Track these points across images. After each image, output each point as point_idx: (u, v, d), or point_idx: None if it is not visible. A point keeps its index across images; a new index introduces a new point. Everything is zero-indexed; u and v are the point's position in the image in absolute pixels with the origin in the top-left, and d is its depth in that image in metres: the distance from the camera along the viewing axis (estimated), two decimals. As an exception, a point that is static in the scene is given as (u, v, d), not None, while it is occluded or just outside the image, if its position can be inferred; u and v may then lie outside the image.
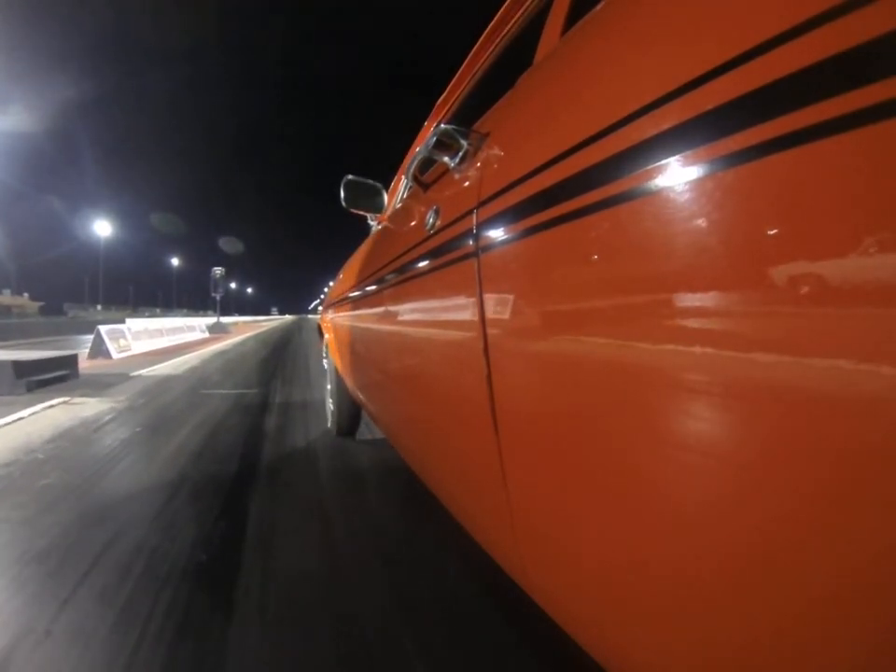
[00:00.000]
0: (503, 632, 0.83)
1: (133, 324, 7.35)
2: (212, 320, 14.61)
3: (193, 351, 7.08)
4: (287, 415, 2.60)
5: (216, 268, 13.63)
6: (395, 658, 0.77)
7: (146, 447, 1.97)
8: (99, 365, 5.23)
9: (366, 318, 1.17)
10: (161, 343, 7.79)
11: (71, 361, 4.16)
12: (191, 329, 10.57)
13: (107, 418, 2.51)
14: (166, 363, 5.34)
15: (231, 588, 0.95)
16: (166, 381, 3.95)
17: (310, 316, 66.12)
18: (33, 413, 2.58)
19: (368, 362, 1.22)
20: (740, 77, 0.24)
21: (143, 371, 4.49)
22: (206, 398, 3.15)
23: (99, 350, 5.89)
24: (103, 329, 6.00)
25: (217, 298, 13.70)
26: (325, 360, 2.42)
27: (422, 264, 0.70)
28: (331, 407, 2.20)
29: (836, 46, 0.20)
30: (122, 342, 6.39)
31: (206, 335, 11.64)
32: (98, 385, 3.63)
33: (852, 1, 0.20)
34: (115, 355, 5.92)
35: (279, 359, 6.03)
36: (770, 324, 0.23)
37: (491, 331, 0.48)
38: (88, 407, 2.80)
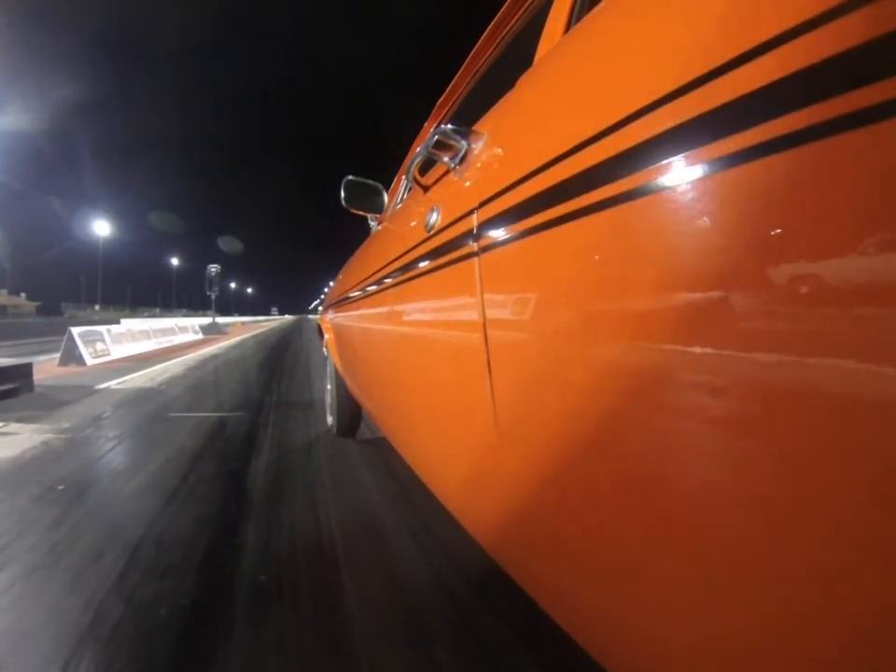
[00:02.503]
0: None
1: (115, 325, 6.62)
2: (208, 320, 13.91)
3: (180, 356, 6.35)
4: (284, 459, 1.87)
5: (211, 265, 12.93)
6: None
7: (49, 531, 1.23)
8: (67, 374, 4.51)
9: (366, 318, 1.15)
10: (145, 347, 7.04)
11: (24, 372, 3.45)
12: (183, 330, 9.81)
13: (31, 461, 1.80)
14: (144, 371, 4.62)
15: None
16: (135, 397, 3.23)
17: (310, 316, 65.35)
18: (-70, 453, 1.87)
19: (368, 362, 1.19)
20: (739, 78, 0.24)
21: (112, 383, 3.78)
22: (177, 424, 2.43)
23: (71, 355, 5.17)
24: (75, 331, 5.27)
25: (213, 296, 12.98)
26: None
27: (422, 264, 0.69)
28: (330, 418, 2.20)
29: (840, 45, 0.20)
30: (99, 345, 5.67)
31: (199, 337, 10.90)
32: (49, 404, 2.92)
33: (852, 1, 0.19)
34: (89, 361, 5.20)
35: (275, 367, 5.29)
36: (769, 324, 0.23)
37: (492, 331, 0.48)
38: (16, 441, 2.09)
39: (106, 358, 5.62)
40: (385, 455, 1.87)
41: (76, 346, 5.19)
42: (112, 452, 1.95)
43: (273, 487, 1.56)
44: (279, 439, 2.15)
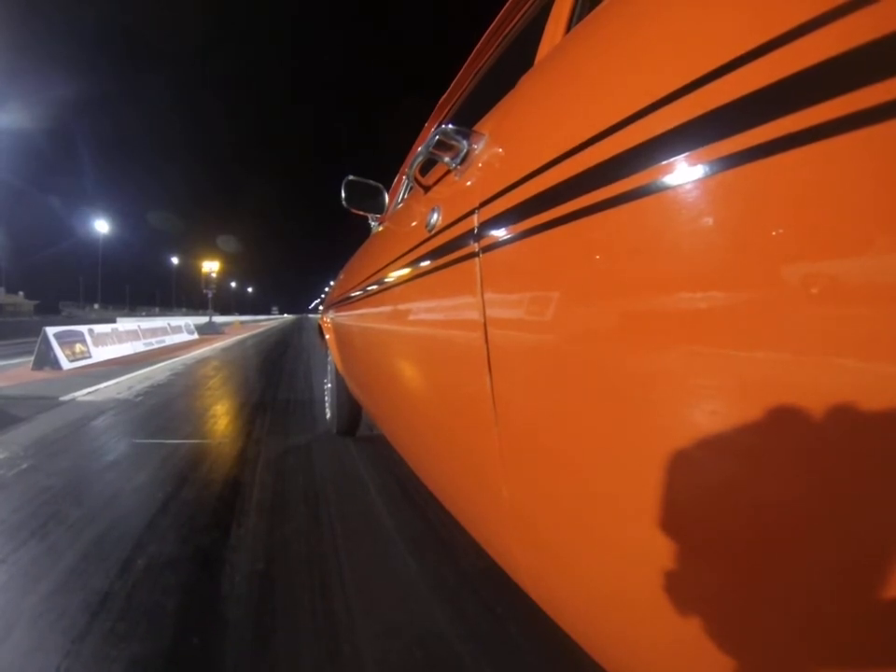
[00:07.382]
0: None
1: (99, 325, 6.09)
2: (205, 320, 13.38)
3: (168, 359, 5.83)
4: (278, 529, 1.30)
5: (207, 263, 12.42)
6: None
7: None
8: (37, 380, 3.99)
9: (367, 318, 1.14)
10: (132, 348, 6.50)
11: (-26, 380, 2.94)
12: (176, 330, 9.27)
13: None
14: (123, 378, 4.09)
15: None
16: (102, 412, 2.70)
17: (310, 316, 64.75)
18: None
19: (368, 362, 1.18)
20: (740, 78, 0.24)
21: (80, 393, 3.25)
22: (141, 457, 1.90)
23: (46, 359, 4.65)
24: (50, 331, 4.74)
25: (209, 295, 12.46)
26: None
27: (423, 264, 0.68)
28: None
29: (843, 44, 0.20)
30: (79, 347, 5.15)
31: (194, 337, 10.36)
32: (-7, 422, 2.40)
33: (852, 1, 0.19)
34: (65, 365, 4.67)
35: (271, 375, 4.73)
36: (768, 324, 0.22)
37: (492, 332, 0.47)
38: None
39: (86, 361, 5.10)
40: (437, 531, 1.34)
41: (50, 348, 4.67)
42: (37, 512, 1.38)
43: (261, 595, 0.97)
44: (272, 487, 1.58)
